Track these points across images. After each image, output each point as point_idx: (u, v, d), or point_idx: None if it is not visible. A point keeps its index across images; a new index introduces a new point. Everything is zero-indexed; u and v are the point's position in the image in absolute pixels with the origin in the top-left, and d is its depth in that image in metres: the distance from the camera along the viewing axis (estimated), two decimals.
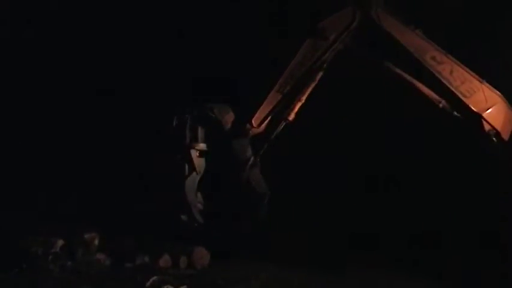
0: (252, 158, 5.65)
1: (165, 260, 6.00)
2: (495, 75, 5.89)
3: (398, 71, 5.69)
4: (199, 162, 5.72)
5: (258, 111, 5.63)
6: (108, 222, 6.23)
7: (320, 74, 5.65)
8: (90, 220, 6.27)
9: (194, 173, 5.67)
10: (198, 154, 5.74)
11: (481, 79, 5.80)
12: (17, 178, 6.85)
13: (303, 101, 5.61)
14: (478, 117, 5.77)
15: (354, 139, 6.61)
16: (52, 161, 7.00)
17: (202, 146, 5.77)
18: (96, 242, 6.20)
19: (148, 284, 5.50)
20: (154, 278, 5.57)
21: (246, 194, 5.65)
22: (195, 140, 5.74)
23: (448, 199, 6.32)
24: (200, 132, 5.77)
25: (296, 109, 5.62)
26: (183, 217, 5.67)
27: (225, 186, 5.74)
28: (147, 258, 6.04)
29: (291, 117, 5.60)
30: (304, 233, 6.45)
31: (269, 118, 5.66)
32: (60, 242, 6.11)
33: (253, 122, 5.65)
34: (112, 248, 6.09)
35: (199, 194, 5.76)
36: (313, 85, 5.63)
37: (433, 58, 5.75)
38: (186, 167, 5.67)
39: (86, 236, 6.21)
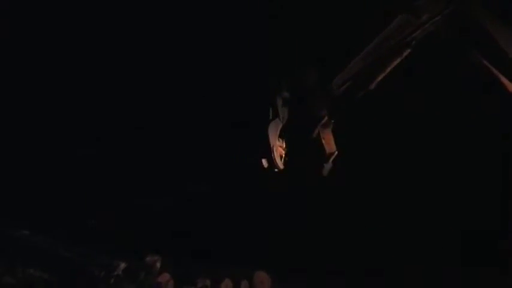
0: (326, 118, 5.78)
1: (226, 284, 5.96)
2: None
3: (486, 63, 5.65)
4: (283, 110, 5.85)
5: (340, 75, 5.69)
6: (169, 245, 6.18)
7: (407, 51, 5.69)
8: (151, 242, 6.47)
9: (277, 119, 5.77)
10: (282, 102, 5.87)
11: None
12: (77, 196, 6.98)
13: (386, 73, 5.69)
14: None
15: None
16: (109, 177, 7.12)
17: (286, 94, 5.89)
18: (158, 265, 6.28)
19: None
20: None
21: (314, 150, 5.79)
22: (279, 88, 5.87)
23: None
24: (284, 82, 5.91)
25: (378, 79, 5.71)
26: (264, 162, 5.79)
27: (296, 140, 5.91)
28: (208, 282, 5.96)
29: (372, 86, 5.71)
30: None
31: (349, 83, 5.77)
32: (123, 265, 6.24)
33: (333, 84, 5.77)
34: (173, 271, 6.25)
35: (282, 141, 5.87)
36: (398, 60, 5.68)
37: None
38: (270, 112, 5.81)
39: (148, 259, 6.35)
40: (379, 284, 6.22)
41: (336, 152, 5.76)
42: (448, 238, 6.30)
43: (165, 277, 6.03)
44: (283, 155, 5.69)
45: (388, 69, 5.61)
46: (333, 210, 6.49)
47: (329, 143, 5.77)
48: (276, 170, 5.66)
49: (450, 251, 6.25)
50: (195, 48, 6.84)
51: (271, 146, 5.64)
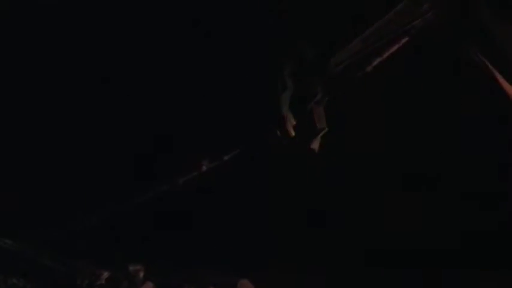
0: (319, 94, 5.83)
1: None
2: None
3: (484, 60, 5.63)
4: (289, 83, 5.93)
5: (338, 54, 5.74)
6: (152, 253, 6.13)
7: (406, 38, 5.70)
8: (134, 251, 6.26)
9: (287, 91, 5.85)
10: (288, 74, 5.93)
11: None
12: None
13: (383, 58, 5.70)
14: None
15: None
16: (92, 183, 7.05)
17: (290, 67, 5.96)
18: (141, 274, 6.23)
19: None
20: None
21: (305, 125, 5.85)
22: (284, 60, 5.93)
23: None
24: (289, 53, 5.96)
25: (374, 63, 5.71)
26: (277, 132, 5.89)
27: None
28: None
29: (368, 69, 5.72)
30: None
31: (347, 63, 5.78)
32: (106, 274, 6.19)
33: (331, 62, 5.79)
34: (156, 280, 6.19)
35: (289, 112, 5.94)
36: (396, 47, 5.68)
37: None
38: (280, 84, 5.90)
39: (131, 267, 6.29)
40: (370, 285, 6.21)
41: (326, 129, 5.82)
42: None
43: (148, 286, 5.97)
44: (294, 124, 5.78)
45: (386, 55, 5.63)
46: (322, 212, 6.46)
47: (320, 119, 5.83)
48: (289, 139, 5.74)
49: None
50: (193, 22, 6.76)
51: (285, 116, 5.74)
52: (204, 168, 6.25)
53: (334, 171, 6.52)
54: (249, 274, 6.00)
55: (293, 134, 5.77)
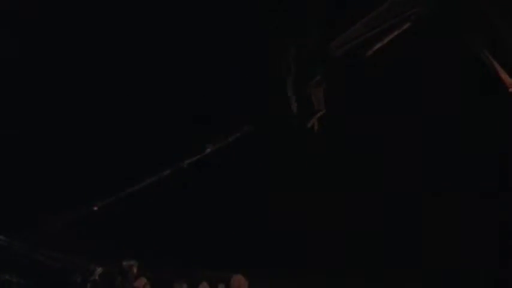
0: (319, 77, 5.89)
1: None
2: None
3: (478, 45, 5.66)
4: (293, 63, 6.04)
5: (340, 37, 5.78)
6: (146, 249, 6.12)
7: (407, 24, 5.72)
8: (127, 247, 6.29)
9: (291, 72, 5.94)
10: (292, 58, 6.03)
11: None
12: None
13: (384, 43, 5.72)
14: None
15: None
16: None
17: (294, 51, 6.05)
18: (135, 269, 6.26)
19: None
20: None
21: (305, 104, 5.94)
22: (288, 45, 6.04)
23: None
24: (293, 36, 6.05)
25: (375, 47, 5.74)
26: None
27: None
28: (185, 286, 5.98)
29: (368, 53, 5.74)
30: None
31: (348, 46, 5.82)
32: (99, 270, 6.22)
33: (331, 45, 5.84)
34: (150, 275, 6.23)
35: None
36: (396, 32, 5.70)
37: None
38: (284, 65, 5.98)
39: (124, 263, 6.34)
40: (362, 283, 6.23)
41: (324, 110, 5.86)
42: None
43: (141, 281, 6.00)
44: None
45: (386, 40, 5.65)
46: (311, 210, 6.47)
47: (318, 100, 5.88)
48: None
49: None
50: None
51: (290, 95, 5.79)
52: (208, 150, 6.27)
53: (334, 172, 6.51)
54: (242, 269, 6.05)
55: (296, 109, 5.86)
